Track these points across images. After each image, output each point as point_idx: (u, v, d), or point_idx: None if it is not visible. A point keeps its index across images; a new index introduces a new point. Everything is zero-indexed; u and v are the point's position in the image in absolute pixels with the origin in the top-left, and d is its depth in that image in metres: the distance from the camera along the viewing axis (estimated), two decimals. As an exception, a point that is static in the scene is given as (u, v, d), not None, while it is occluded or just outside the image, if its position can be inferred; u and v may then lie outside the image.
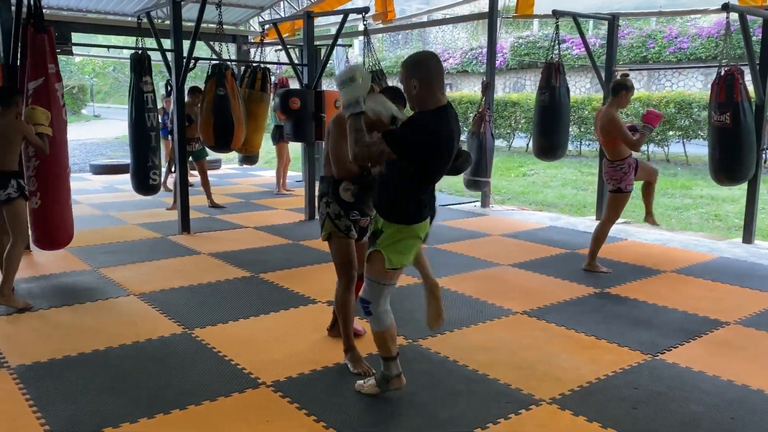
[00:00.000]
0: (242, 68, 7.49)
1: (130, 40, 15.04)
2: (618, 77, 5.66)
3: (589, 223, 7.86)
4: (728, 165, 6.17)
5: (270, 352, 3.78)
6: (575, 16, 7.64)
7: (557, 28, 7.52)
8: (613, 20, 7.92)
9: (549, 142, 7.38)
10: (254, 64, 7.34)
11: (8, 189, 4.43)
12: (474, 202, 9.41)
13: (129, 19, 12.81)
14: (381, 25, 11.25)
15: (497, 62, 22.77)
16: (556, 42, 7.49)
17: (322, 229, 3.55)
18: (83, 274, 5.42)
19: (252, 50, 12.13)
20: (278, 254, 6.18)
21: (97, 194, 9.95)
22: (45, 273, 5.40)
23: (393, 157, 2.90)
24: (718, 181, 6.36)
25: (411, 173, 2.95)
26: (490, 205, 9.08)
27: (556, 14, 7.36)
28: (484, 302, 4.73)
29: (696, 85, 18.38)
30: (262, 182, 11.63)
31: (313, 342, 3.95)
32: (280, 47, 10.43)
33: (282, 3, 13.09)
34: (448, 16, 16.05)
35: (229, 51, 11.90)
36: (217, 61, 6.74)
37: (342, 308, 3.56)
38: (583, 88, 20.81)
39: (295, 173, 12.40)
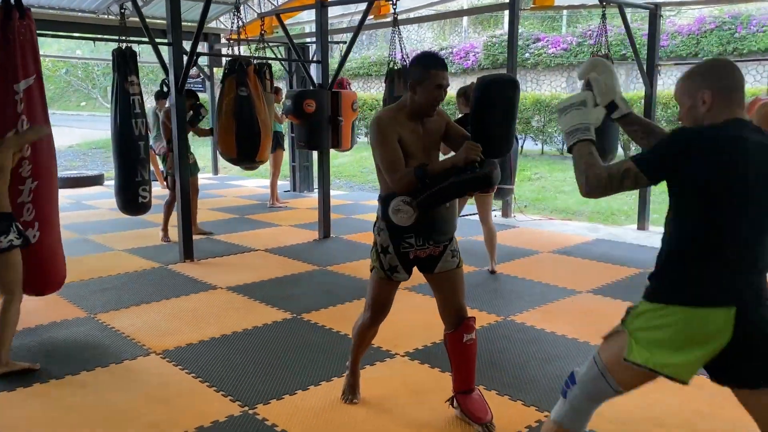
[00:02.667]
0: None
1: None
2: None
3: (635, 234, 7.13)
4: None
5: (374, 441, 2.81)
6: (621, 5, 6.87)
7: (604, 17, 6.74)
8: (655, 9, 7.21)
9: (597, 145, 6.54)
10: (261, 61, 6.28)
11: (10, 234, 3.39)
12: (494, 211, 8.56)
13: (86, 15, 11.53)
14: (374, 20, 10.30)
15: (469, 62, 22.18)
16: (604, 35, 6.68)
17: (371, 258, 2.94)
18: (80, 323, 4.30)
19: (224, 50, 11.03)
20: (311, 285, 5.17)
21: (66, 212, 8.63)
22: (30, 325, 4.25)
23: (643, 183, 1.95)
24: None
25: (693, 218, 1.91)
26: (512, 214, 8.26)
27: (603, 2, 6.58)
28: (590, 345, 3.84)
29: (668, 82, 18.04)
30: (248, 193, 10.52)
31: (415, 419, 2.99)
32: (263, 45, 9.39)
33: (259, -3, 11.99)
34: (422, 14, 15.16)
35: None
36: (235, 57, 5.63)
37: (357, 338, 3.11)
38: (558, 87, 20.31)
39: (281, 182, 11.38)
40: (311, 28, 15.71)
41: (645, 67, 7.29)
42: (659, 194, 9.68)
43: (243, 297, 4.86)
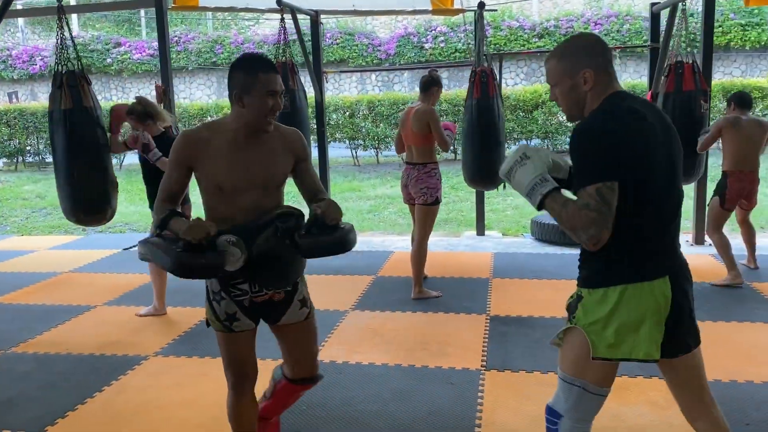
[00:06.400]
0: None
1: None
2: (428, 74, 5.04)
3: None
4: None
5: None
6: (294, 10, 6.66)
7: (283, 21, 6.43)
8: (316, 16, 7.25)
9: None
10: None
11: None
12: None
13: None
14: None
15: (36, 67, 19.18)
16: (283, 38, 6.38)
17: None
18: None
19: None
20: (9, 381, 3.61)
21: None
22: None
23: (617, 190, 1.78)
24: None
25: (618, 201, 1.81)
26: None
27: (281, 5, 6.28)
28: (431, 369, 3.63)
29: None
30: None
31: None
32: None
33: None
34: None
35: None
36: None
37: (233, 423, 2.39)
38: (149, 95, 19.19)
39: None
40: None
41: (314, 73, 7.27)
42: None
43: None
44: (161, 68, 6.99)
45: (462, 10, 7.21)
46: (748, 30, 15.86)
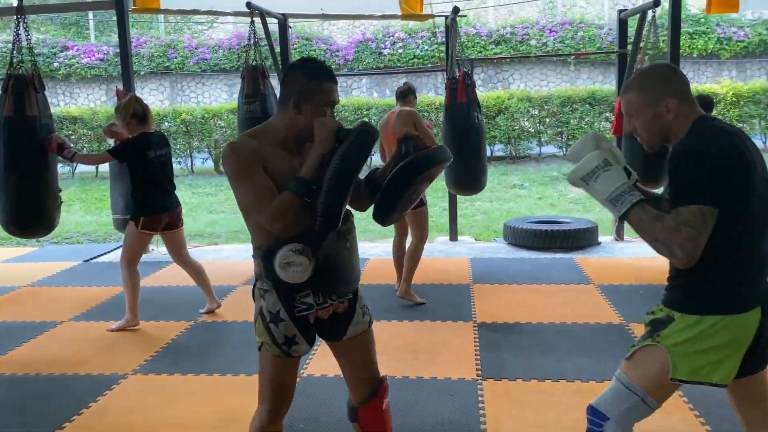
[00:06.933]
0: None
1: None
2: (402, 84, 5.08)
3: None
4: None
5: None
6: (263, 14, 6.48)
7: (253, 24, 6.25)
8: (284, 20, 7.09)
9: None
10: None
11: None
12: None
13: None
14: None
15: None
16: (253, 42, 6.19)
17: (255, 331, 2.18)
18: None
19: None
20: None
21: None
22: None
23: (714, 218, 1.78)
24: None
25: (719, 224, 1.79)
26: (152, 249, 7.11)
27: (251, 8, 6.11)
28: (427, 380, 3.55)
29: (222, 96, 18.55)
30: None
31: None
32: None
33: None
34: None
35: None
36: None
37: None
38: (98, 101, 18.61)
39: None
40: None
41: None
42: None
43: None
44: (123, 72, 6.75)
45: (431, 16, 7.19)
46: (695, 38, 16.38)
